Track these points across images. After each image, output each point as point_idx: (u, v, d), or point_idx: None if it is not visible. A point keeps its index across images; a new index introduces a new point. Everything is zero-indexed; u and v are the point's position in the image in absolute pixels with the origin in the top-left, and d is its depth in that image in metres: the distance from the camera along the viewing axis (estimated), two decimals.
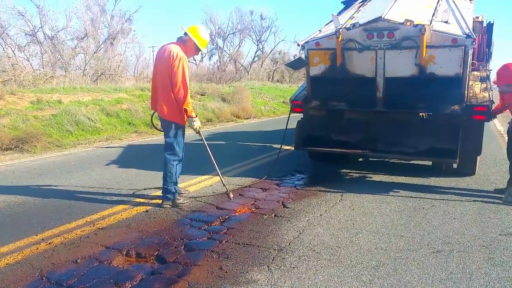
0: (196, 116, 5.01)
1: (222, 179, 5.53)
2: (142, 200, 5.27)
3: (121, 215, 4.68)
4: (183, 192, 5.47)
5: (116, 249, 3.74)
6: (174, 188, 5.04)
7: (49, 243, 3.87)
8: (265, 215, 4.73)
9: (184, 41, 4.94)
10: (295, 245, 3.86)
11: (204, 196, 5.46)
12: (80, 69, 22.70)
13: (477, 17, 7.69)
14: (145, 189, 5.77)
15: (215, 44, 41.49)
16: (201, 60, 40.83)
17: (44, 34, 22.76)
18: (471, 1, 7.25)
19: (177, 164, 5.03)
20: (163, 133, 5.14)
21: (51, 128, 10.64)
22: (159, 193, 5.26)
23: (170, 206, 4.96)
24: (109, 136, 11.41)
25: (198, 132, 5.17)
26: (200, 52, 5.21)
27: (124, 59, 26.62)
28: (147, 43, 58.52)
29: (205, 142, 5.37)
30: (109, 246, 3.79)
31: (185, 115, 4.90)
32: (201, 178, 6.40)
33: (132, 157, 8.37)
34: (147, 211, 4.83)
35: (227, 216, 4.67)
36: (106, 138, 11.15)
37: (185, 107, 4.81)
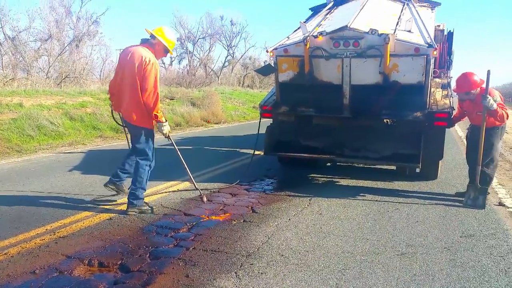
0: (166, 121, 4.93)
1: (195, 183, 5.45)
2: (105, 207, 5.12)
3: (83, 223, 4.53)
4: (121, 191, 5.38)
5: (78, 258, 3.60)
6: (142, 194, 4.95)
7: (5, 254, 3.68)
8: (234, 220, 4.70)
9: (152, 44, 4.80)
10: (264, 250, 3.85)
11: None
12: (43, 72, 21.98)
13: (439, 26, 7.97)
14: (98, 196, 5.61)
15: (185, 48, 41.21)
16: (170, 64, 40.44)
17: (4, 34, 21.97)
18: (433, 11, 7.53)
19: (148, 170, 4.96)
20: (126, 132, 5.02)
21: (11, 133, 10.22)
22: (125, 199, 5.13)
23: (135, 213, 4.83)
24: (73, 141, 11.08)
25: (168, 137, 5.07)
26: (168, 54, 5.06)
27: (90, 62, 26.00)
28: (115, 45, 57.28)
29: (176, 147, 5.31)
30: (70, 256, 3.65)
31: (154, 120, 4.82)
32: (168, 184, 6.30)
33: (96, 163, 8.15)
34: (110, 218, 4.69)
35: (194, 223, 4.60)
36: (70, 143, 10.82)
37: (155, 113, 4.72)
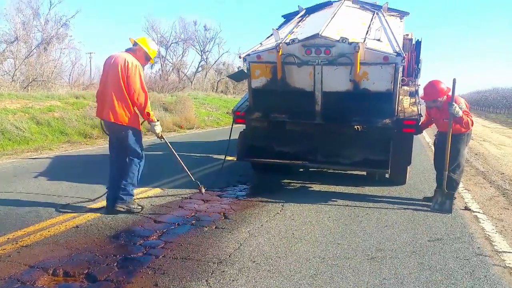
0: (158, 120, 5.09)
1: (191, 175, 5.65)
2: (72, 215, 4.96)
3: (49, 231, 4.37)
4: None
5: (42, 268, 3.47)
6: (132, 190, 5.03)
7: None
8: (206, 227, 4.65)
9: (134, 51, 5.01)
10: (235, 257, 3.81)
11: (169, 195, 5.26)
12: (9, 75, 21.29)
13: (407, 35, 8.17)
14: (66, 204, 5.46)
15: (157, 52, 40.75)
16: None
17: None
18: (402, 20, 7.72)
19: (140, 168, 5.06)
20: (107, 141, 4.97)
21: None
22: (93, 205, 4.99)
23: (124, 209, 4.90)
24: (39, 146, 10.74)
25: (161, 137, 5.25)
26: (149, 62, 5.32)
27: (59, 65, 25.34)
28: (85, 49, 56.19)
29: (170, 146, 5.50)
30: (34, 265, 3.51)
31: (146, 120, 4.99)
32: (138, 191, 6.15)
33: (63, 169, 7.92)
34: (77, 226, 4.55)
35: (165, 230, 4.52)
36: (36, 148, 10.48)
37: (147, 111, 4.89)
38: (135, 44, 5.04)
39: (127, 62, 4.75)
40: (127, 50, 5.03)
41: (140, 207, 5.12)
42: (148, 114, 4.91)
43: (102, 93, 4.97)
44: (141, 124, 5.11)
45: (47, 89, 20.00)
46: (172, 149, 5.49)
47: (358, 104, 6.08)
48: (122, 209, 4.91)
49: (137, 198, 5.69)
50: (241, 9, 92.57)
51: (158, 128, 5.07)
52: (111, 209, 4.97)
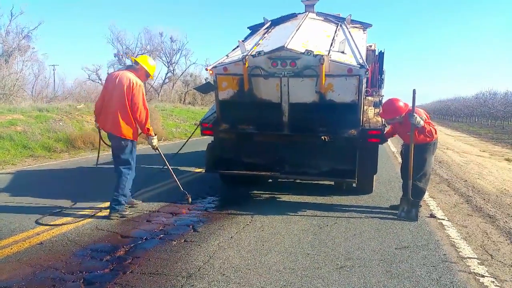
0: (155, 135, 5.69)
1: (179, 183, 6.09)
2: (35, 231, 4.78)
3: (11, 248, 4.19)
4: (135, 205, 5.93)
5: (4, 287, 3.32)
6: (124, 200, 5.46)
7: None
8: (174, 240, 4.57)
9: (136, 70, 5.55)
10: (205, 270, 3.77)
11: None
12: None
13: (370, 46, 8.38)
14: (42, 217, 5.26)
15: (122, 64, 40.22)
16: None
17: None
18: (365, 32, 7.92)
19: (130, 178, 5.51)
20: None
21: None
22: (58, 221, 4.83)
23: (117, 218, 5.30)
24: (1, 161, 10.31)
25: (156, 149, 5.81)
26: (149, 78, 5.85)
27: (21, 78, 24.53)
28: (48, 61, 54.75)
29: (164, 157, 6.01)
30: None
31: (145, 134, 5.58)
32: (104, 205, 6.00)
33: (26, 184, 7.63)
34: (41, 243, 4.38)
35: (132, 245, 4.42)
36: None
37: (147, 127, 5.48)
38: (136, 63, 5.58)
39: (132, 82, 5.30)
40: (128, 68, 5.57)
41: (132, 211, 5.65)
42: (148, 129, 5.51)
43: (104, 107, 5.47)
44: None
45: (9, 102, 19.33)
46: (165, 161, 6.01)
47: (324, 115, 6.18)
48: (116, 217, 5.31)
49: (103, 213, 5.54)
50: (208, 21, 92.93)
51: (154, 142, 5.67)
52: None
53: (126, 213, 5.45)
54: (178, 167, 9.60)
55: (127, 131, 5.36)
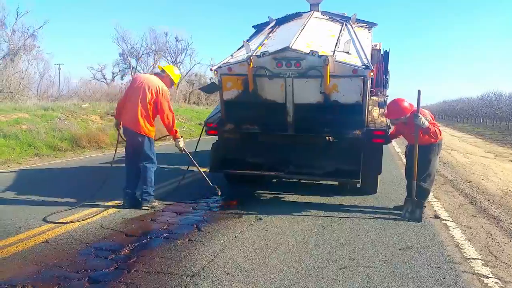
0: (182, 137, 6.09)
1: (207, 178, 6.32)
2: (41, 229, 4.81)
3: (17, 246, 4.22)
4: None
5: (9, 285, 3.34)
6: (152, 191, 5.88)
7: None
8: (179, 240, 4.59)
9: (163, 77, 5.98)
10: (209, 269, 3.78)
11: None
12: None
13: (375, 45, 8.31)
14: (51, 214, 5.29)
15: (128, 63, 40.40)
16: (113, 79, 39.43)
17: None
18: (370, 31, 7.88)
19: (154, 171, 5.88)
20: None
21: None
22: (62, 220, 4.85)
23: (148, 208, 5.75)
24: (6, 159, 10.38)
25: (183, 150, 6.14)
26: (173, 86, 6.30)
27: (27, 77, 24.65)
28: (54, 60, 54.90)
29: (191, 157, 6.28)
30: (1, 283, 3.38)
31: (173, 136, 6.02)
32: (109, 204, 6.04)
33: (31, 183, 7.68)
34: (46, 241, 4.41)
35: (137, 244, 4.44)
36: (2, 161, 10.12)
37: (175, 129, 5.90)
38: (163, 71, 6.03)
39: (159, 88, 5.71)
40: (156, 74, 6.05)
41: (160, 202, 6.06)
42: (176, 131, 5.94)
43: (126, 105, 5.83)
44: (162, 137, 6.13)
45: (14, 101, 19.45)
46: (194, 161, 6.31)
47: (329, 115, 6.17)
48: (147, 208, 5.76)
49: (108, 212, 5.57)
50: (213, 20, 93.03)
51: (181, 144, 6.07)
52: (130, 206, 5.78)
53: (156, 203, 5.92)
54: (182, 166, 9.62)
55: (145, 128, 5.67)
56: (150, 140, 5.81)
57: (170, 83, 6.08)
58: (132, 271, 3.70)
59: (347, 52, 6.17)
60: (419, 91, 5.64)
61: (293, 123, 6.35)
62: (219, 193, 6.28)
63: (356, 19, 7.82)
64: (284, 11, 8.63)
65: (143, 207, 5.76)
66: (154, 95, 5.68)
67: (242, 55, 6.41)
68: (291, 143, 6.58)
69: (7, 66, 23.28)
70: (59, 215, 5.36)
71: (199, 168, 6.31)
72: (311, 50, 5.82)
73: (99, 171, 8.75)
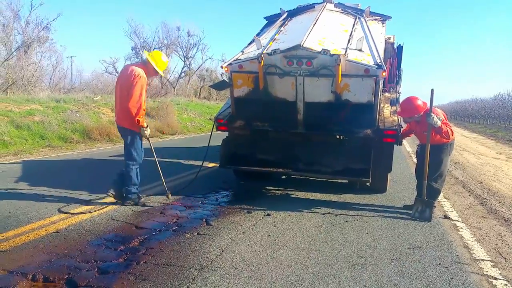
0: (147, 126, 5.68)
1: (163, 178, 6.03)
2: (52, 219, 4.89)
3: (28, 236, 4.29)
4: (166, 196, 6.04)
5: (21, 273, 3.40)
6: (135, 188, 5.71)
7: None
8: (187, 233, 4.63)
9: (145, 64, 5.66)
10: (217, 263, 3.81)
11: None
12: None
13: (389, 38, 8.16)
14: (65, 205, 5.37)
15: (139, 57, 40.54)
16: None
17: None
18: (383, 24, 7.72)
19: (136, 168, 5.67)
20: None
21: None
22: (73, 211, 4.91)
23: (132, 204, 5.60)
24: (18, 150, 10.53)
25: (148, 139, 5.78)
26: (159, 75, 6.02)
27: (39, 69, 24.91)
28: (66, 53, 55.35)
29: (153, 149, 5.97)
30: (12, 271, 3.44)
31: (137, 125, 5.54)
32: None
33: (43, 173, 7.78)
34: (57, 231, 4.48)
35: (146, 236, 4.48)
36: (15, 152, 10.27)
37: (138, 118, 5.45)
38: (146, 59, 5.66)
39: (134, 73, 5.41)
40: (140, 62, 5.80)
41: (146, 202, 5.82)
42: (138, 121, 5.47)
43: (116, 99, 5.78)
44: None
45: (27, 93, 19.67)
46: (154, 152, 5.98)
47: (339, 114, 6.14)
48: (130, 204, 5.62)
49: (117, 205, 5.62)
50: (225, 15, 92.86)
51: (146, 132, 5.65)
52: (118, 197, 5.70)
53: (142, 200, 5.76)
54: (192, 160, 9.69)
55: (128, 121, 5.51)
56: (133, 134, 5.59)
57: (153, 71, 5.72)
58: (141, 263, 3.75)
59: (360, 50, 6.11)
60: (432, 90, 5.59)
61: (303, 121, 6.33)
62: (169, 196, 5.98)
63: (370, 12, 7.66)
64: (296, 2, 8.41)
65: (126, 203, 5.61)
66: (130, 81, 5.40)
67: (253, 51, 6.39)
68: (301, 140, 6.57)
69: (21, 57, 23.54)
70: (70, 206, 5.43)
71: (157, 162, 5.97)
72: (323, 49, 5.76)
73: (109, 163, 8.83)
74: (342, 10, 7.71)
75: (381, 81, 6.02)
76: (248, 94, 6.41)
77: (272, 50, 6.00)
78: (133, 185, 5.67)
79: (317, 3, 7.83)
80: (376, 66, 5.75)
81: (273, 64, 5.97)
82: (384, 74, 5.81)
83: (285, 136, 6.67)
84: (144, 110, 5.61)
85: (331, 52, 5.72)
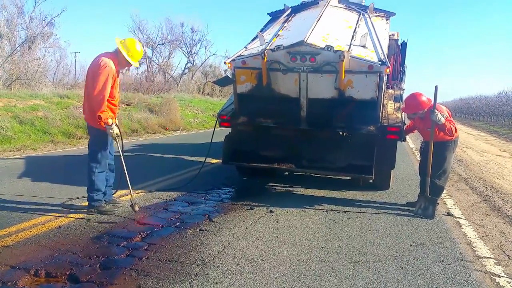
0: (112, 123, 4.84)
1: (131, 190, 5.11)
2: (55, 215, 4.90)
3: (30, 231, 4.30)
4: (118, 203, 5.35)
5: (23, 268, 3.41)
6: (97, 195, 4.99)
7: None
8: (190, 229, 4.63)
9: (116, 53, 4.93)
10: (219, 259, 3.81)
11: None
12: None
13: (393, 34, 8.13)
14: (70, 199, 5.38)
15: (143, 53, 40.52)
16: (128, 69, 39.62)
17: None
18: (388, 21, 7.69)
19: (99, 172, 4.98)
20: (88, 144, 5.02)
21: None
22: (76, 205, 4.91)
23: (94, 213, 4.95)
24: (22, 145, 10.56)
25: (115, 139, 4.98)
26: (133, 65, 5.17)
27: (43, 64, 24.95)
28: (70, 49, 55.49)
29: (121, 151, 5.14)
30: (15, 266, 3.46)
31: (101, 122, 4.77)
32: (123, 192, 6.09)
33: (46, 169, 7.80)
34: (60, 227, 4.49)
35: (149, 232, 4.49)
36: (18, 147, 10.30)
37: (99, 114, 4.70)
38: (117, 49, 4.94)
39: (99, 63, 4.73)
40: (113, 52, 4.97)
41: (113, 208, 5.14)
42: (99, 117, 4.70)
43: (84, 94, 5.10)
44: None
45: (30, 88, 19.71)
46: (122, 155, 5.10)
47: (343, 111, 6.12)
48: (93, 213, 4.96)
49: (122, 200, 5.63)
50: (229, 12, 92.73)
51: (112, 131, 4.87)
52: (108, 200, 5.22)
53: (105, 209, 5.01)
54: (194, 157, 9.70)
55: (91, 118, 4.89)
56: (100, 133, 4.92)
57: (125, 61, 4.97)
58: (144, 258, 3.75)
59: (364, 46, 6.08)
60: (436, 87, 5.56)
61: (306, 118, 6.31)
62: (136, 209, 4.96)
63: (374, 8, 7.62)
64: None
65: (89, 213, 4.97)
66: (95, 72, 4.73)
67: (256, 47, 6.37)
68: (304, 137, 6.55)
69: (25, 53, 23.56)
70: (73, 202, 5.44)
71: (123, 165, 5.08)
72: (326, 45, 5.74)
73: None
74: (346, 6, 7.67)
75: (385, 78, 5.99)
76: (251, 90, 6.40)
77: (275, 46, 5.98)
78: (96, 190, 4.96)
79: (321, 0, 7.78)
80: (380, 62, 5.72)
81: (277, 60, 5.95)
82: (388, 70, 5.78)
83: (288, 132, 6.66)
84: (115, 105, 5.01)
85: (335, 49, 5.69)
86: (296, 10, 7.68)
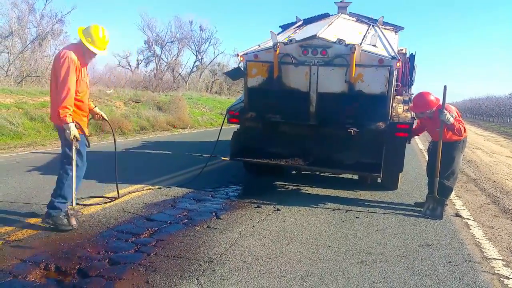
0: (71, 122, 4.17)
1: (75, 195, 4.42)
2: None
3: (41, 226, 4.35)
4: (74, 213, 4.52)
5: (33, 262, 3.46)
6: (61, 204, 4.31)
7: None
8: (197, 226, 4.66)
9: (79, 43, 4.37)
10: (227, 256, 3.83)
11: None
12: (3, 69, 21.14)
13: (401, 49, 8.31)
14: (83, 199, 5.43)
15: (152, 51, 40.77)
16: (137, 67, 39.88)
17: None
18: (396, 34, 7.86)
19: (71, 176, 4.32)
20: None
21: None
22: (85, 202, 4.95)
23: (49, 225, 4.27)
24: (32, 141, 10.68)
25: (72, 141, 4.23)
26: (100, 53, 4.47)
27: None
28: None
29: (74, 156, 4.34)
30: (25, 260, 3.51)
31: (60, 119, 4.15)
32: (131, 188, 6.17)
33: (55, 165, 7.77)
34: None
35: (157, 228, 4.52)
36: (29, 143, 10.42)
37: (58, 109, 4.11)
38: (80, 40, 4.36)
39: (59, 55, 4.22)
40: (77, 43, 4.46)
41: (68, 225, 4.27)
42: (58, 112, 4.12)
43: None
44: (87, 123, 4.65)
45: (41, 85, 19.91)
46: (74, 160, 4.35)
47: (352, 106, 6.14)
48: (47, 225, 4.29)
49: (130, 197, 5.67)
50: (238, 11, 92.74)
51: (70, 131, 4.17)
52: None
53: (61, 222, 4.25)
54: (202, 154, 9.73)
55: (55, 116, 4.24)
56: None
57: (88, 51, 4.37)
58: (152, 254, 3.78)
59: (374, 45, 6.15)
60: (445, 87, 5.54)
61: (316, 113, 6.33)
62: (73, 223, 4.30)
63: (383, 21, 7.84)
64: (310, 13, 8.69)
65: (44, 222, 4.35)
66: (56, 65, 4.21)
67: (269, 45, 6.45)
68: (313, 133, 6.55)
69: (35, 50, 23.80)
70: (82, 198, 5.49)
71: (74, 170, 4.38)
72: (338, 39, 5.88)
73: (121, 156, 8.90)
74: (357, 19, 7.93)
75: (395, 72, 6.02)
76: (262, 84, 6.49)
77: (288, 39, 6.13)
78: (61, 197, 4.33)
79: (332, 14, 8.04)
80: (391, 57, 5.81)
81: (289, 53, 6.09)
82: (398, 64, 5.86)
83: (296, 129, 6.67)
84: (81, 101, 4.44)
85: (346, 42, 5.79)
86: (307, 22, 7.93)
